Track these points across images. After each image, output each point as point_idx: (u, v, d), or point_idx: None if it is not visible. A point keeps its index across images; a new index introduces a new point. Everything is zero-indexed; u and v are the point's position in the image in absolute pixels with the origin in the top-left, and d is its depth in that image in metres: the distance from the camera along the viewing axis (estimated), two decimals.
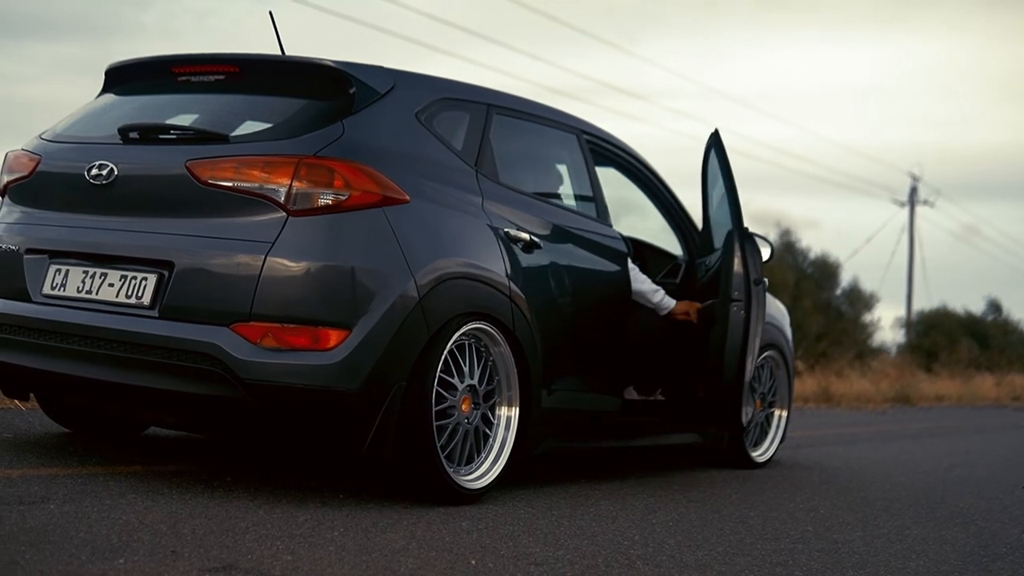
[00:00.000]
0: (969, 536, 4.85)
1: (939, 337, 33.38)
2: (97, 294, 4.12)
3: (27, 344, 4.25)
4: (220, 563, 3.10)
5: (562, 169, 5.38)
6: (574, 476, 5.44)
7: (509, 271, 4.49)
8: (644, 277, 5.71)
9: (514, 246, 4.58)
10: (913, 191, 37.63)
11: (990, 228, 78.54)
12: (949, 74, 60.53)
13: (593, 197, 5.29)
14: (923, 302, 37.64)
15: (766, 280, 5.77)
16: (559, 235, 4.90)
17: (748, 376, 5.56)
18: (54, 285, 4.23)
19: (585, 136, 5.42)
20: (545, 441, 4.84)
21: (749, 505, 5.19)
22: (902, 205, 37.68)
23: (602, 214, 5.29)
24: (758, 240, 5.82)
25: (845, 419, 12.79)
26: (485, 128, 4.74)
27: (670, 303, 5.73)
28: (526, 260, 4.62)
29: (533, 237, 4.69)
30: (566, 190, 5.32)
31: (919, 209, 37.66)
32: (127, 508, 3.64)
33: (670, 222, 6.27)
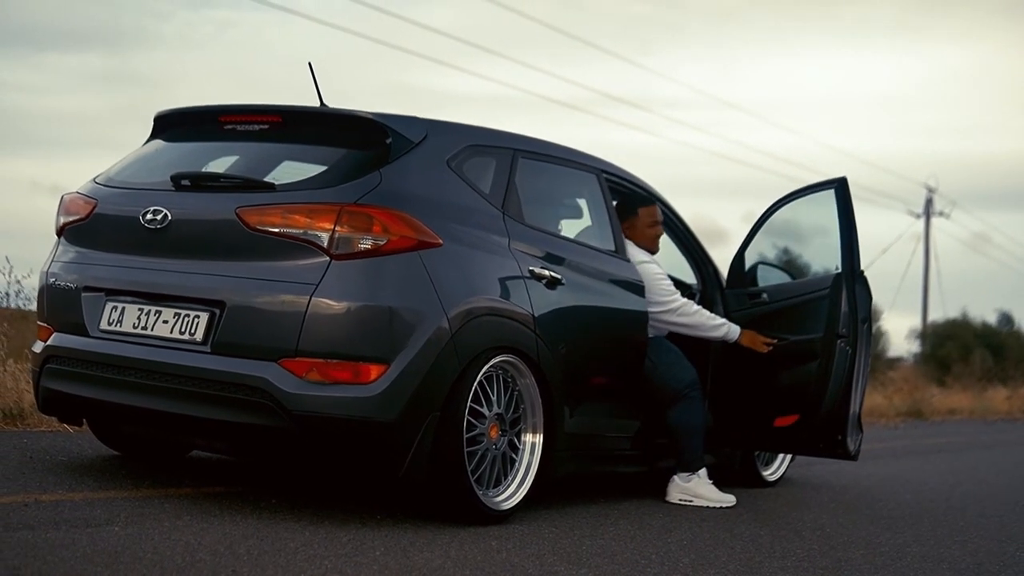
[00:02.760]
0: (966, 554, 5.13)
1: (953, 348, 33.41)
2: (152, 330, 4.44)
3: (84, 376, 4.59)
4: None
5: (583, 208, 5.70)
6: (594, 496, 5.74)
7: (534, 307, 4.80)
8: (708, 313, 6.00)
9: (538, 283, 4.89)
10: (929, 203, 37.73)
11: (1002, 236, 78.51)
12: (962, 84, 60.65)
13: (612, 233, 5.60)
14: (937, 312, 37.69)
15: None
16: (580, 271, 5.21)
17: (857, 408, 5.92)
18: (111, 321, 4.55)
19: (604, 175, 5.72)
20: (567, 464, 5.16)
21: (760, 524, 5.48)
22: (917, 216, 37.78)
23: (620, 249, 5.60)
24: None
25: None
26: (511, 172, 5.05)
27: (735, 332, 6.02)
28: (550, 296, 4.93)
29: (556, 274, 4.99)
30: (587, 228, 5.63)
31: (933, 220, 37.77)
32: (185, 529, 3.95)
33: (684, 252, 6.55)
